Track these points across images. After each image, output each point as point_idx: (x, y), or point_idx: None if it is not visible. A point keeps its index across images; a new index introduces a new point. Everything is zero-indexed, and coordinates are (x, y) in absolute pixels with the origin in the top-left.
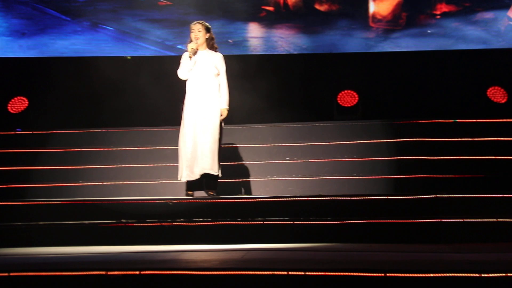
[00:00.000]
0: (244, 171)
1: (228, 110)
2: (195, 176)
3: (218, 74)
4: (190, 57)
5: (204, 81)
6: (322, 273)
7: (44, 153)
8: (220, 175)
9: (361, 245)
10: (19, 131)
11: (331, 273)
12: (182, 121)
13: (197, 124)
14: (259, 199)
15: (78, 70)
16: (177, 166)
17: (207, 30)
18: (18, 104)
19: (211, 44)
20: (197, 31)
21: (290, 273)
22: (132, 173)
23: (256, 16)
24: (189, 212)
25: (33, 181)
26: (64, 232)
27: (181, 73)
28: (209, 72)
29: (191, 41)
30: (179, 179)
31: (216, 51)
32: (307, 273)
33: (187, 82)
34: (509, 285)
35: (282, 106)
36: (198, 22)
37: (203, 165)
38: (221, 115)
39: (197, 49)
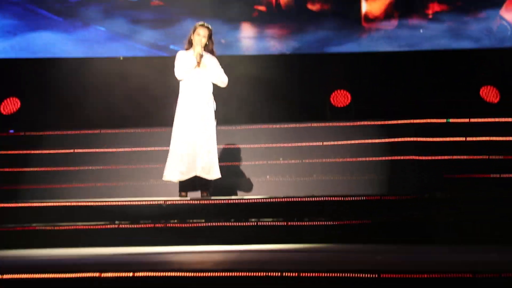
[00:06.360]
0: (237, 172)
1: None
2: (189, 176)
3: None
4: (198, 62)
5: (200, 83)
6: (316, 274)
7: (37, 155)
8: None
9: (355, 245)
10: (11, 133)
11: (325, 274)
12: (176, 121)
13: (195, 126)
14: (253, 200)
15: (71, 71)
16: None
17: (210, 36)
18: (10, 105)
19: (210, 49)
20: (203, 37)
21: (284, 274)
22: (125, 174)
23: (248, 16)
24: (182, 213)
25: (26, 182)
26: (56, 234)
27: (180, 73)
28: (205, 75)
29: (190, 41)
30: (166, 179)
31: (213, 55)
32: (301, 274)
33: (181, 83)
34: (502, 286)
35: (275, 106)
36: (207, 27)
37: (204, 167)
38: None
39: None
